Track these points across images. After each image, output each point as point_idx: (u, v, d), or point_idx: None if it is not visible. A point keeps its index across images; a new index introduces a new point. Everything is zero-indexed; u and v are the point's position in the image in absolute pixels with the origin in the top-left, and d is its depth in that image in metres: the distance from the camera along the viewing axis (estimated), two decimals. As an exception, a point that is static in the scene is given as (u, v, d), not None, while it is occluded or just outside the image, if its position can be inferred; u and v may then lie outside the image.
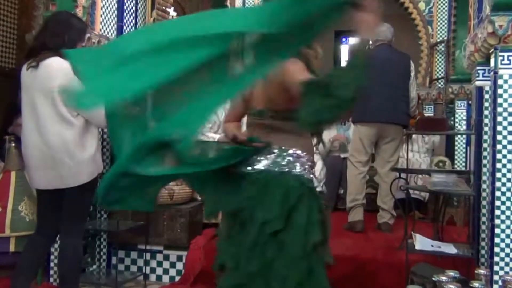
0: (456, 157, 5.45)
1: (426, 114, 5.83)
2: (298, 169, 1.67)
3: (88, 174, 2.62)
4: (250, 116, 1.86)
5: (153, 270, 3.64)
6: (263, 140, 1.72)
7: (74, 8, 3.27)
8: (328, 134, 5.32)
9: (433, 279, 1.36)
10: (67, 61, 2.52)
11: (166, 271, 3.63)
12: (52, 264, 3.26)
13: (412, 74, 4.24)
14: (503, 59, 2.90)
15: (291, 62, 1.61)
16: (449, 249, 3.15)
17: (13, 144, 3.27)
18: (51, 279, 3.26)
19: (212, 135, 4.46)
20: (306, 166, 1.70)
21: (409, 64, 4.27)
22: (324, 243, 1.66)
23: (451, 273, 1.38)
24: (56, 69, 2.51)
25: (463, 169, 5.03)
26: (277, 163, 1.67)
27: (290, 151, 1.69)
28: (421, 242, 3.19)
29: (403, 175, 4.01)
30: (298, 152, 1.70)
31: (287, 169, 1.66)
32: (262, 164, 1.69)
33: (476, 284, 1.32)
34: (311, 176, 1.72)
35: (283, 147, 1.69)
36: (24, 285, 2.60)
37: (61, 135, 2.53)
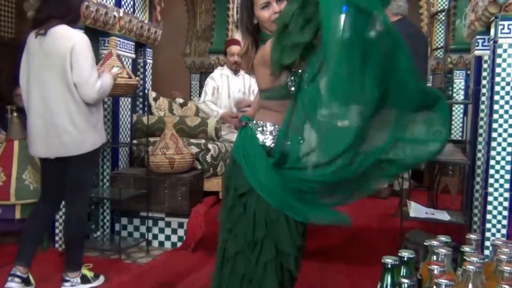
0: (453, 126, 5.49)
1: (425, 84, 5.85)
2: (260, 139, 1.80)
3: (91, 143, 2.65)
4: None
5: (155, 237, 3.72)
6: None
7: (73, -25, 3.24)
8: None
9: (425, 243, 1.41)
10: (72, 29, 2.58)
11: (168, 238, 3.71)
12: (57, 231, 3.32)
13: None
14: (503, 28, 2.89)
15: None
16: (443, 216, 3.22)
17: (15, 114, 3.29)
18: (57, 245, 3.33)
19: (216, 108, 4.51)
20: (270, 136, 1.80)
21: (424, 36, 4.57)
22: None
23: (443, 238, 1.43)
24: (64, 36, 2.54)
25: (460, 138, 5.08)
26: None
27: (259, 123, 1.83)
28: (416, 210, 3.26)
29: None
30: (268, 123, 1.81)
31: None
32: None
33: (467, 248, 1.37)
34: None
35: (256, 122, 1.85)
36: (31, 251, 2.67)
37: (66, 102, 2.55)
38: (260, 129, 1.82)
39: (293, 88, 1.74)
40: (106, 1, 3.62)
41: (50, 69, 2.54)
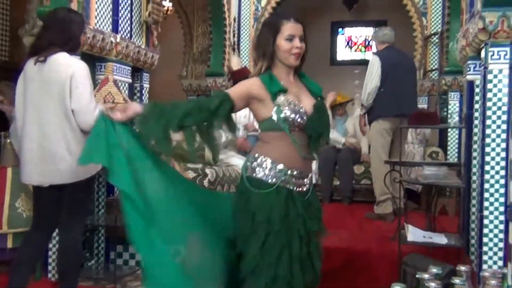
0: (449, 147, 5.52)
1: (420, 106, 5.87)
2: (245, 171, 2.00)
3: (86, 171, 2.64)
4: None
5: (150, 264, 3.68)
6: None
7: (69, 2, 3.28)
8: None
9: (417, 276, 1.42)
10: (72, 56, 2.61)
11: (163, 264, 3.68)
12: (50, 260, 3.25)
13: (370, 63, 4.58)
14: (493, 54, 2.95)
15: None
16: (440, 239, 3.22)
17: (8, 140, 3.26)
18: (50, 275, 3.25)
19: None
20: (252, 167, 1.98)
21: (412, 62, 4.78)
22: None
23: (434, 270, 1.44)
24: (64, 63, 2.55)
25: (456, 160, 5.09)
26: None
27: (251, 155, 2.03)
28: (413, 233, 3.26)
29: (396, 167, 4.08)
30: (255, 155, 1.99)
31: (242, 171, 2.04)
32: None
33: (457, 280, 1.38)
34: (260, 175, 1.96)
35: (249, 155, 2.06)
36: (22, 281, 2.61)
37: (62, 129, 2.55)
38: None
39: (279, 121, 1.92)
40: (103, 27, 3.66)
41: (49, 96, 2.55)
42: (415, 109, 4.42)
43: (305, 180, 2.01)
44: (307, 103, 1.97)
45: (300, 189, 1.98)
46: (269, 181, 1.92)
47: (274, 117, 1.90)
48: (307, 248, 1.96)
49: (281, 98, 1.90)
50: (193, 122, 1.93)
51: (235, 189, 2.08)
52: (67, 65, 2.56)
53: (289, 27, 1.94)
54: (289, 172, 1.93)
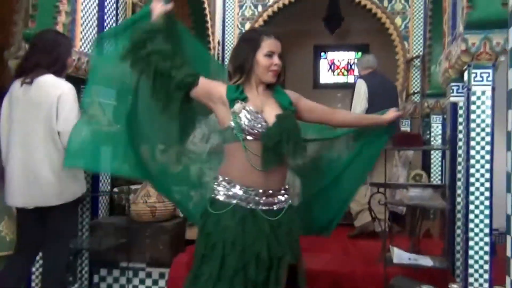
0: (432, 170, 5.56)
1: (402, 129, 5.94)
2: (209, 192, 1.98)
3: (71, 193, 2.62)
4: None
5: (135, 288, 3.63)
6: None
7: (54, 25, 3.28)
8: None
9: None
10: (58, 78, 2.60)
11: (148, 289, 3.62)
12: (33, 284, 3.21)
13: (357, 86, 4.77)
14: (476, 76, 3.00)
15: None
16: (426, 261, 3.22)
17: (-8, 164, 3.22)
18: (33, 299, 3.21)
19: None
20: (213, 188, 1.95)
21: (394, 85, 4.93)
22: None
23: (424, 291, 1.43)
24: (51, 85, 2.55)
25: (439, 182, 5.13)
26: None
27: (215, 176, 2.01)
28: (399, 255, 3.26)
29: (381, 189, 4.09)
30: (217, 175, 1.97)
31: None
32: None
33: (448, 300, 1.37)
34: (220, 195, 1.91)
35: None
36: (5, 306, 2.57)
37: (48, 151, 2.53)
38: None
39: (234, 130, 1.86)
40: (89, 49, 3.65)
41: (35, 117, 2.53)
42: (398, 131, 4.52)
43: (275, 198, 1.89)
44: (271, 114, 1.87)
45: (266, 208, 1.86)
46: (226, 201, 1.85)
47: (231, 125, 1.84)
48: (267, 274, 1.82)
49: (237, 105, 1.85)
50: (161, 61, 1.92)
51: None
52: (54, 87, 2.55)
53: (270, 44, 1.90)
54: (250, 190, 1.84)
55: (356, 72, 4.99)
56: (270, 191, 1.88)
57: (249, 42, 1.94)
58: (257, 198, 1.85)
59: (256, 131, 1.82)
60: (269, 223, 1.85)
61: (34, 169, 2.53)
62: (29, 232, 2.68)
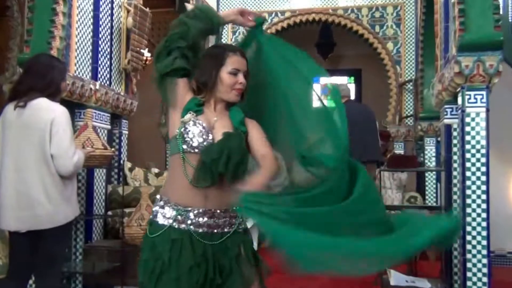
0: (427, 192, 5.57)
1: (396, 151, 5.97)
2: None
3: (64, 217, 2.59)
4: None
5: (129, 312, 3.56)
6: None
7: (48, 50, 3.30)
8: None
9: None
10: (52, 101, 2.58)
11: (141, 313, 3.55)
12: (25, 310, 3.14)
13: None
14: (469, 98, 3.03)
15: None
16: (423, 284, 3.21)
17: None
18: (25, 325, 3.13)
19: None
20: (154, 209, 1.77)
21: (371, 111, 4.94)
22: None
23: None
24: (45, 108, 2.53)
25: (434, 204, 5.14)
26: None
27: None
28: (396, 278, 3.24)
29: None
30: (158, 195, 1.82)
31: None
32: None
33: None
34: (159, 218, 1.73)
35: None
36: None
37: (41, 174, 2.50)
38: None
39: (179, 141, 1.69)
40: (83, 74, 3.66)
41: (28, 140, 2.52)
42: (380, 156, 4.64)
43: (216, 220, 1.70)
44: (219, 132, 1.73)
45: (206, 230, 1.68)
46: (161, 223, 1.68)
47: (176, 133, 1.70)
48: None
49: (188, 116, 1.72)
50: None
51: None
52: (47, 110, 2.54)
53: (235, 61, 1.77)
54: (187, 210, 1.68)
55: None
56: (211, 212, 1.70)
57: (213, 58, 1.80)
58: (196, 219, 1.68)
59: (200, 146, 1.68)
60: (210, 248, 1.68)
61: (26, 193, 2.51)
62: (21, 256, 2.64)
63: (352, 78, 9.25)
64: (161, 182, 4.59)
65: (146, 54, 6.14)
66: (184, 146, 1.68)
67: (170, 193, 1.73)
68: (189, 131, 1.69)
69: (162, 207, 1.71)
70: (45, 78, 2.62)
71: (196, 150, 1.67)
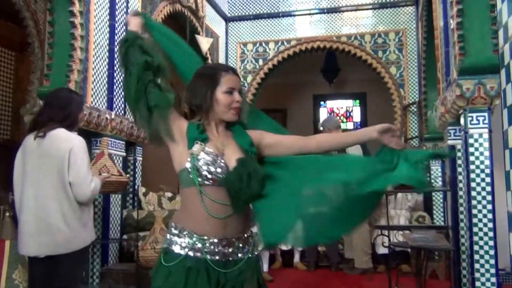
0: (434, 211, 5.62)
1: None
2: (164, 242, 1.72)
3: (81, 242, 2.67)
4: None
5: (144, 335, 3.61)
6: None
7: (67, 83, 3.46)
8: None
9: None
10: (70, 132, 2.70)
11: (157, 336, 3.60)
12: (45, 333, 3.21)
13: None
14: (472, 119, 3.11)
15: None
16: (434, 303, 3.24)
17: (8, 214, 3.31)
18: None
19: None
20: (167, 237, 1.69)
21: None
22: None
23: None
24: (63, 138, 2.65)
25: (442, 223, 5.18)
26: None
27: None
28: (406, 297, 3.27)
29: (384, 231, 4.15)
30: (172, 222, 1.73)
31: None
32: None
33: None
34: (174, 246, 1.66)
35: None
36: None
37: (59, 201, 2.60)
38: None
39: (191, 174, 1.62)
40: (99, 105, 3.81)
41: (47, 169, 2.62)
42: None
43: (232, 248, 1.66)
44: (231, 158, 1.67)
45: (220, 258, 1.64)
46: (177, 252, 1.62)
47: (188, 166, 1.62)
48: None
49: (197, 146, 1.64)
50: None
51: None
52: (66, 140, 2.65)
53: (229, 80, 1.72)
54: (204, 239, 1.63)
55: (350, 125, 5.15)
56: (227, 240, 1.66)
57: (206, 79, 1.74)
58: (212, 247, 1.63)
59: (215, 176, 1.63)
60: (224, 275, 1.63)
61: (45, 219, 2.60)
62: (40, 281, 2.70)
63: (358, 101, 9.41)
64: (175, 206, 4.69)
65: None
66: (200, 179, 1.62)
67: (185, 222, 1.67)
68: (202, 163, 1.62)
69: (178, 235, 1.66)
70: (65, 110, 2.74)
71: (211, 182, 1.62)
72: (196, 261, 1.61)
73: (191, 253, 1.61)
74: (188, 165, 1.62)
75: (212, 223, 1.63)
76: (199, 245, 1.62)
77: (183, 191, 1.69)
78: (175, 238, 1.64)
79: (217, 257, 1.62)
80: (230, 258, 1.64)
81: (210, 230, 1.63)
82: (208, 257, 1.61)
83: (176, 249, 1.62)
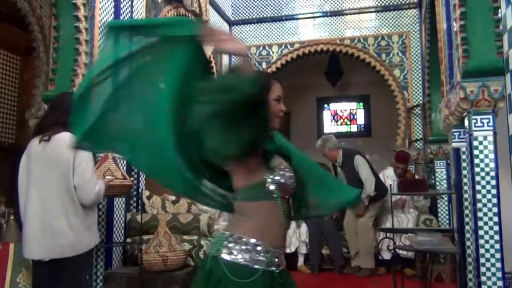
0: (439, 214, 5.60)
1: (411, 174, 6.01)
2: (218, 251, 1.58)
3: (85, 245, 2.67)
4: None
5: None
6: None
7: (72, 87, 3.47)
8: None
9: None
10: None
11: None
12: (48, 337, 3.21)
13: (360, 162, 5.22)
14: (476, 122, 3.09)
15: None
16: (439, 306, 3.22)
17: (12, 217, 3.32)
18: None
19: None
20: (229, 247, 1.59)
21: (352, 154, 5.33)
22: None
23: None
24: (68, 142, 2.65)
25: (447, 226, 5.16)
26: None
27: (226, 234, 1.62)
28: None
29: (389, 234, 4.13)
30: (232, 233, 1.60)
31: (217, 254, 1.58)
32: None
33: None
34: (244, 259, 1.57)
35: (224, 232, 1.63)
36: None
37: (64, 205, 2.61)
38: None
39: (272, 187, 1.58)
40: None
41: (52, 172, 2.63)
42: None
43: (283, 257, 1.67)
44: (286, 168, 1.67)
45: (280, 269, 1.64)
46: (249, 266, 1.55)
47: (268, 182, 1.58)
48: None
49: (275, 160, 1.63)
50: None
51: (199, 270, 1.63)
52: (69, 144, 2.65)
53: (278, 88, 1.75)
54: (271, 250, 1.59)
55: (327, 149, 5.28)
56: (283, 250, 1.67)
57: (265, 86, 1.66)
58: (276, 260, 1.61)
59: (290, 189, 1.63)
60: (282, 286, 1.63)
61: (50, 222, 2.60)
62: (44, 284, 2.71)
63: (361, 104, 9.40)
64: (178, 209, 4.69)
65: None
66: (280, 193, 1.59)
67: (261, 236, 1.58)
68: (281, 175, 1.61)
69: (249, 250, 1.57)
70: (69, 114, 2.75)
71: (285, 194, 1.62)
72: (269, 276, 1.57)
73: (265, 268, 1.56)
74: (268, 180, 1.58)
75: (282, 234, 1.64)
76: (270, 258, 1.58)
77: (249, 205, 1.61)
78: (245, 252, 1.56)
79: (278, 269, 1.60)
80: (282, 267, 1.63)
81: (282, 243, 1.64)
82: (273, 268, 1.59)
83: (247, 263, 1.55)
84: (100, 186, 2.74)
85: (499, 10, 2.98)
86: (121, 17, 4.15)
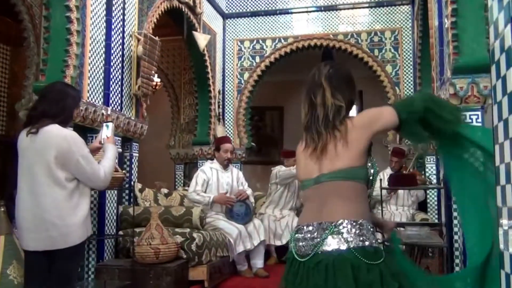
0: (428, 209, 5.66)
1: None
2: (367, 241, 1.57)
3: (77, 237, 2.68)
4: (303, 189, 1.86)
5: (139, 331, 3.63)
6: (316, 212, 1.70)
7: (63, 78, 3.44)
8: None
9: None
10: (63, 128, 2.69)
11: (152, 331, 3.63)
12: (40, 327, 3.22)
13: None
14: (465, 118, 3.11)
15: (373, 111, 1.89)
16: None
17: (3, 209, 3.30)
18: None
19: (207, 194, 4.61)
20: (367, 236, 1.60)
21: None
22: None
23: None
24: (56, 134, 2.63)
25: (436, 221, 5.22)
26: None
27: (360, 221, 1.61)
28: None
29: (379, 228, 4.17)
30: (363, 221, 1.60)
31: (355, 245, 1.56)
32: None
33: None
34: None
35: (351, 219, 1.60)
36: None
37: (54, 197, 2.61)
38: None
39: (372, 170, 1.78)
40: (95, 100, 3.81)
41: (40, 165, 2.62)
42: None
43: None
44: None
45: None
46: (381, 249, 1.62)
47: (371, 170, 1.79)
48: None
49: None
50: None
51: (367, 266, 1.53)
52: (58, 136, 2.63)
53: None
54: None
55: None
56: None
57: (353, 84, 1.91)
58: None
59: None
60: None
61: (41, 215, 2.60)
62: (36, 276, 2.71)
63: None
64: (171, 202, 4.71)
65: (156, 80, 6.34)
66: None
67: (368, 217, 1.67)
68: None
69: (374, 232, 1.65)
70: (58, 104, 2.70)
71: None
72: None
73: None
74: (371, 170, 1.79)
75: None
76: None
77: (363, 187, 1.70)
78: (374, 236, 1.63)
79: None
80: None
81: None
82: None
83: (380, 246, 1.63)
84: (104, 168, 2.73)
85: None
86: (113, 7, 4.13)
